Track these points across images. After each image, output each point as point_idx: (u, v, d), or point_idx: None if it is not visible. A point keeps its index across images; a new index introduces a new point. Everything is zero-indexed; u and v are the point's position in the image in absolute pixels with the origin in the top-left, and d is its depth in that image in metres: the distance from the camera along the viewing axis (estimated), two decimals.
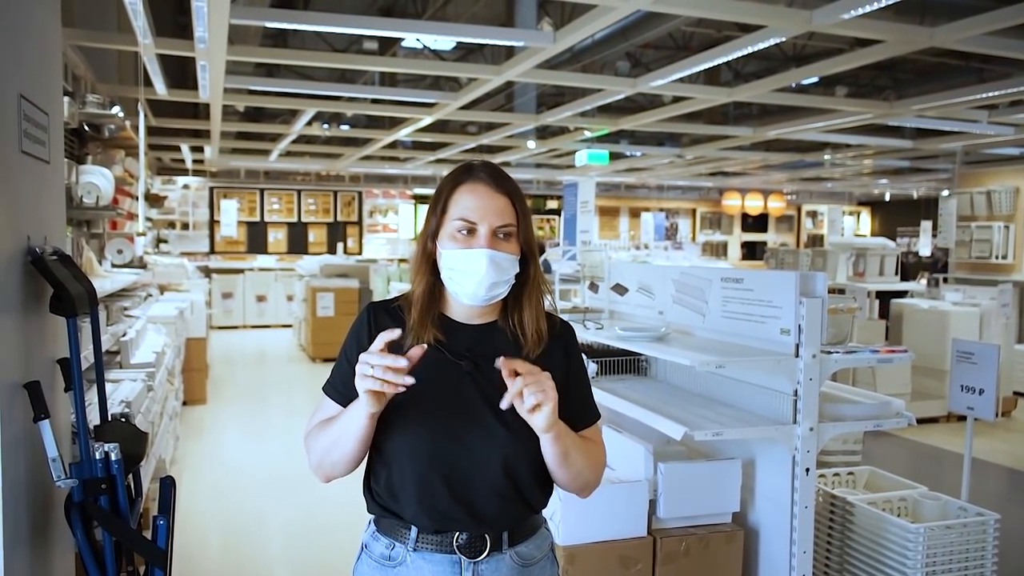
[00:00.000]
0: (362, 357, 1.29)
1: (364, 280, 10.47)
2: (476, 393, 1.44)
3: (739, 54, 5.11)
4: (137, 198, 6.21)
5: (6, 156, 1.90)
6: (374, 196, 15.96)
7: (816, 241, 18.25)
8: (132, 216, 6.43)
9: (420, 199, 16.29)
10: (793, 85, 7.67)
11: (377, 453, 1.48)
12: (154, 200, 9.83)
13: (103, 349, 3.81)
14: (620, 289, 3.69)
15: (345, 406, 1.44)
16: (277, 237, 15.21)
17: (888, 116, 7.67)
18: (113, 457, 2.10)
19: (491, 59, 8.52)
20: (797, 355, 2.52)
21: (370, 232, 16.00)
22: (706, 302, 2.98)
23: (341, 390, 1.49)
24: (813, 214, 19.40)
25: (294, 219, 15.34)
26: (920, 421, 6.74)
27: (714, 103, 7.36)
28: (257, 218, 15.13)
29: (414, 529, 1.46)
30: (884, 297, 8.24)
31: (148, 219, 9.08)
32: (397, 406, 1.38)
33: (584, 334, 3.29)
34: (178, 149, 11.92)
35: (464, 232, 1.43)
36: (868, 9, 4.03)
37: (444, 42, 8.89)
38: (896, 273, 7.70)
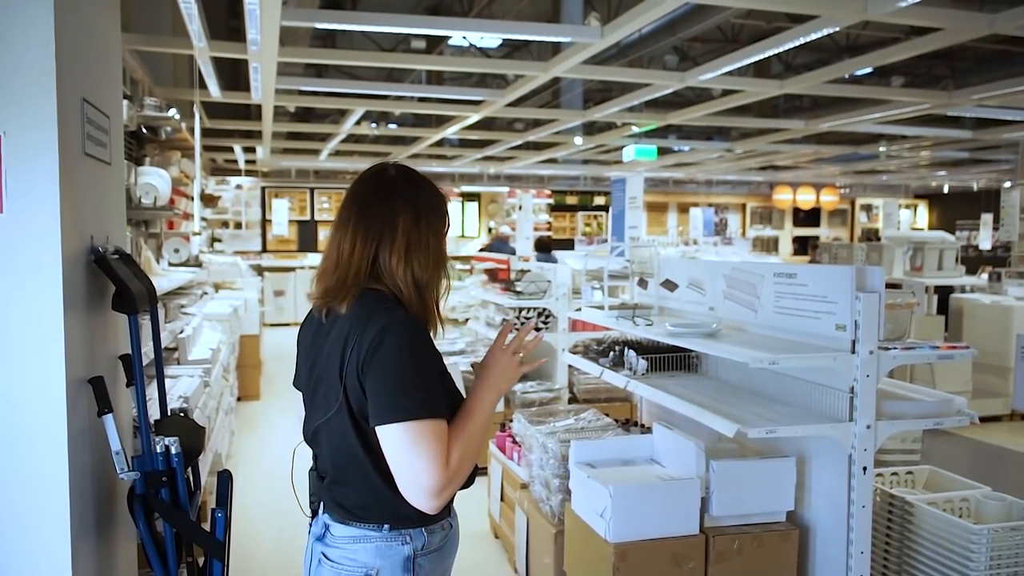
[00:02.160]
0: (513, 346, 1.63)
1: None
2: None
3: (791, 45, 5.01)
4: (193, 198, 6.35)
5: (71, 158, 1.96)
6: None
7: (870, 235, 17.81)
8: (188, 216, 6.59)
9: (467, 196, 16.35)
10: (847, 76, 7.49)
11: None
12: (208, 200, 10.05)
13: (163, 345, 3.93)
14: (670, 285, 3.66)
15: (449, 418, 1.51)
16: (327, 235, 15.40)
17: (947, 106, 7.45)
18: (173, 451, 2.15)
19: (537, 56, 8.51)
20: (854, 351, 2.47)
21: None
22: (758, 298, 2.94)
23: (448, 403, 1.55)
24: (868, 208, 18.96)
25: None
26: (982, 419, 6.48)
27: (764, 96, 7.23)
28: (307, 217, 15.36)
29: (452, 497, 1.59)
30: (943, 292, 8.01)
31: (203, 219, 9.30)
32: (448, 387, 1.58)
33: (633, 331, 3.27)
34: (231, 150, 12.16)
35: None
36: None
37: (490, 40, 8.93)
38: (956, 267, 7.47)
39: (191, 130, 5.89)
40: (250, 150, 12.23)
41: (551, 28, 4.98)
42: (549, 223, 16.60)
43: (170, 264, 5.81)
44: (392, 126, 10.79)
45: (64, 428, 1.87)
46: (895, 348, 2.57)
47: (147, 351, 2.74)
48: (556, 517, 3.11)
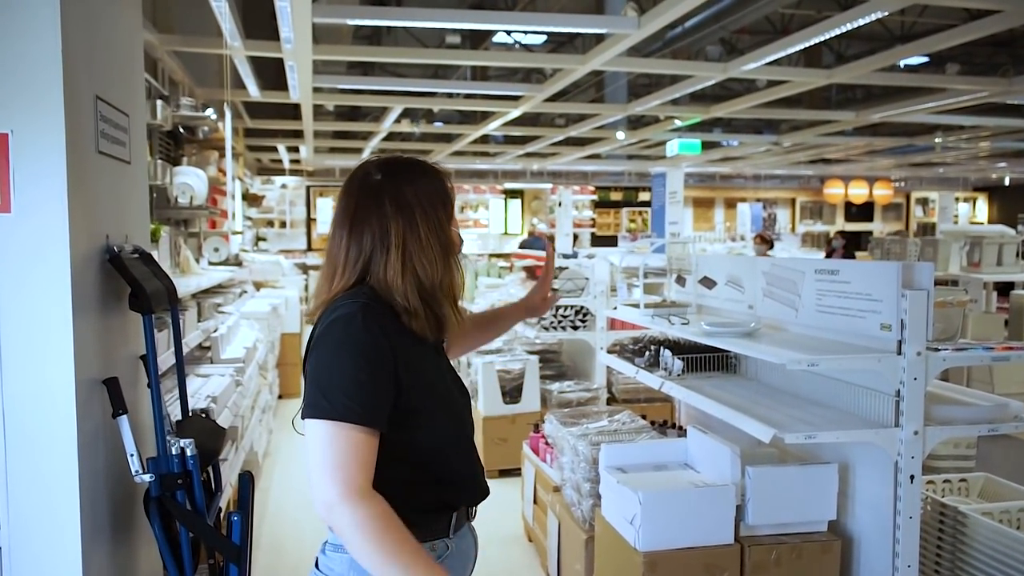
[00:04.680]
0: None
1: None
2: (447, 365, 1.63)
3: (838, 32, 4.81)
4: (233, 197, 6.40)
5: (82, 156, 1.93)
6: (464, 191, 16.05)
7: (927, 230, 17.24)
8: (228, 215, 6.64)
9: (510, 193, 16.29)
10: (901, 65, 7.21)
11: (410, 458, 1.45)
12: (253, 200, 10.17)
13: (195, 344, 3.93)
14: (708, 283, 3.53)
15: (383, 428, 1.38)
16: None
17: (1006, 94, 7.12)
18: (189, 452, 2.11)
19: (582, 51, 8.39)
20: (900, 352, 2.32)
21: (461, 227, 16.06)
22: (799, 296, 2.80)
23: (386, 411, 1.39)
24: (924, 201, 18.36)
25: None
26: None
27: (811, 86, 6.99)
28: None
29: (455, 514, 1.52)
30: (1004, 289, 7.64)
31: (248, 218, 9.41)
32: (424, 399, 1.45)
33: (668, 329, 3.16)
34: (275, 150, 12.29)
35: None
36: None
37: (534, 36, 8.84)
38: (1017, 262, 7.12)
39: (233, 130, 5.93)
40: (294, 150, 12.35)
41: (587, 19, 4.87)
42: (593, 220, 16.43)
43: (210, 263, 5.86)
44: (438, 124, 10.77)
45: (74, 430, 1.84)
46: (945, 349, 2.41)
47: (171, 352, 2.74)
48: (587, 522, 3.01)
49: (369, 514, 1.30)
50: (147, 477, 2.05)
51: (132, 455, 2.04)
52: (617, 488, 2.58)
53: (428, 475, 1.48)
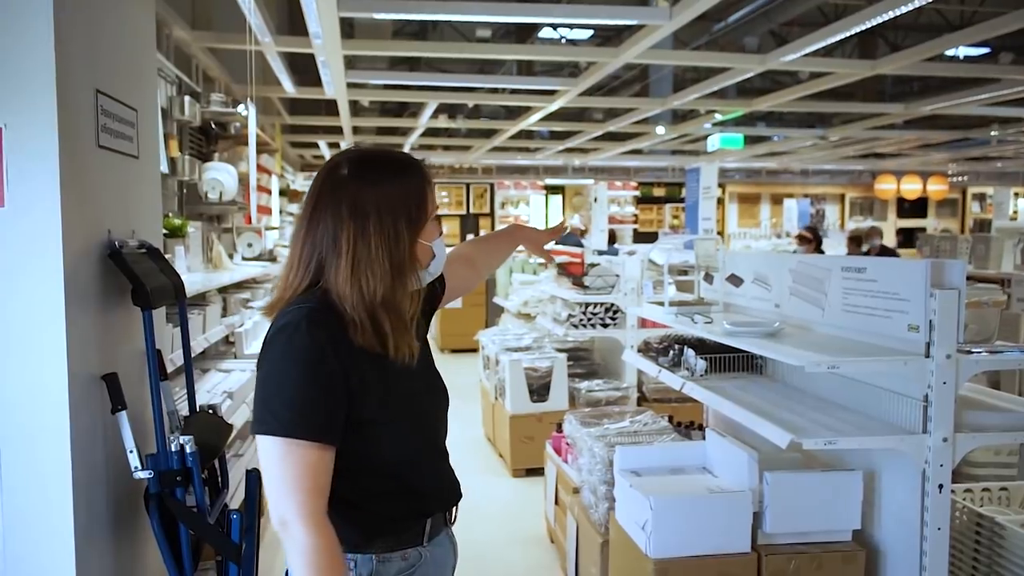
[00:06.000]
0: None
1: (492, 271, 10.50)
2: (426, 358, 1.52)
3: (880, 20, 4.61)
4: (270, 192, 6.45)
5: (79, 150, 1.92)
6: (506, 187, 16.00)
7: (983, 227, 16.63)
8: (266, 210, 6.70)
9: (552, 189, 16.19)
10: (961, 57, 6.91)
11: (374, 468, 1.39)
12: (293, 195, 10.26)
13: (218, 339, 3.95)
14: (735, 280, 3.41)
15: (337, 442, 1.31)
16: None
17: None
18: (188, 449, 2.10)
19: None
20: (928, 355, 2.19)
21: (502, 223, 16.04)
22: (825, 294, 2.67)
23: (338, 424, 1.32)
24: (981, 197, 17.71)
25: None
26: None
27: (855, 77, 6.76)
28: None
29: (428, 521, 1.46)
30: None
31: (289, 214, 9.48)
32: (381, 407, 1.37)
33: (691, 329, 3.06)
34: (316, 146, 12.39)
35: (435, 222, 1.49)
36: None
37: (579, 31, 8.72)
38: None
39: (266, 126, 5.97)
40: (335, 146, 12.44)
41: (617, 10, 4.76)
42: (635, 216, 16.24)
43: (243, 258, 5.90)
44: (482, 119, 10.72)
45: (67, 425, 1.83)
46: (980, 351, 2.28)
47: (195, 344, 2.73)
48: (603, 526, 2.93)
49: (316, 545, 1.26)
50: (145, 474, 2.04)
51: (131, 451, 2.03)
52: (630, 492, 2.50)
53: (396, 484, 1.41)
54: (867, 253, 8.30)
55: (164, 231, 4.07)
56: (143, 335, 2.37)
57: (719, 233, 16.36)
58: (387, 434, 1.38)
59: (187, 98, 4.37)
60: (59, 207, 1.80)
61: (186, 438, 2.10)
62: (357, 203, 1.35)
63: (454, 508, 1.54)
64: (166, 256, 3.96)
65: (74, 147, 1.88)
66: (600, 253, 6.64)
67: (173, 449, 2.09)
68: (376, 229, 1.35)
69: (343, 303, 1.34)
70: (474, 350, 7.03)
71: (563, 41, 9.59)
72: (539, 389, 5.03)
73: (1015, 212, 15.96)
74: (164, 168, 4.34)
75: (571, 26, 8.84)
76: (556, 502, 3.77)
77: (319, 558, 1.25)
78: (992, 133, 10.63)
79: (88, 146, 1.99)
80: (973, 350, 2.28)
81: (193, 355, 2.91)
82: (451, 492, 1.53)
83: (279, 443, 1.27)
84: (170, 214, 4.37)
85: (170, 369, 2.66)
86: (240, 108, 5.09)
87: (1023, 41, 8.89)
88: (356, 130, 11.45)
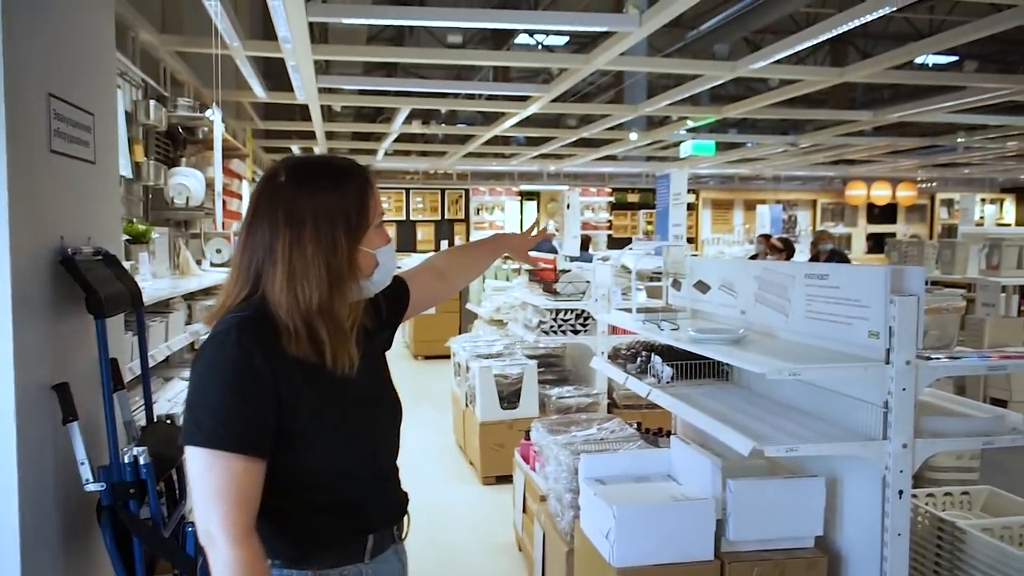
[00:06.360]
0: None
1: None
2: (373, 370, 1.49)
3: (848, 27, 4.66)
4: (240, 197, 6.38)
5: (30, 156, 1.88)
6: (480, 193, 16.00)
7: (951, 232, 16.88)
8: (235, 216, 6.62)
9: (526, 195, 16.21)
10: (931, 65, 6.99)
11: (309, 482, 1.36)
12: None
13: (183, 347, 3.89)
14: (702, 287, 3.42)
15: (267, 455, 1.29)
16: None
17: None
18: (142, 461, 2.06)
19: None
20: (888, 361, 2.20)
21: (476, 229, 16.04)
22: (789, 301, 2.69)
23: (266, 435, 1.29)
24: (949, 203, 17.98)
25: (403, 217, 15.61)
26: None
27: (823, 85, 6.83)
28: None
29: (371, 538, 1.42)
30: None
31: None
32: (316, 418, 1.34)
33: (658, 335, 3.06)
34: (290, 151, 12.31)
35: (379, 229, 1.45)
36: None
37: (555, 38, 8.73)
38: None
39: (243, 130, 5.91)
40: (308, 151, 12.37)
41: (587, 17, 4.77)
42: (610, 222, 16.30)
43: (212, 264, 5.83)
44: (453, 125, 10.71)
45: (13, 436, 1.79)
46: (939, 357, 2.30)
47: (156, 352, 2.68)
48: (569, 534, 2.92)
49: (240, 559, 1.23)
50: (97, 486, 2.00)
51: (82, 463, 1.99)
52: (594, 500, 2.49)
53: (333, 498, 1.38)
54: (816, 257, 8.37)
55: (127, 237, 4.01)
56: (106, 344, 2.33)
57: (691, 240, 16.50)
58: (322, 446, 1.35)
59: (152, 102, 4.31)
60: (6, 213, 1.76)
61: (140, 449, 2.06)
62: (293, 211, 1.33)
63: (404, 523, 1.51)
64: (129, 262, 3.91)
65: (23, 152, 1.84)
66: (573, 259, 6.65)
67: (126, 461, 2.04)
68: (312, 237, 1.33)
69: (279, 311, 1.31)
70: (448, 357, 7.00)
71: (539, 47, 9.63)
72: (509, 396, 5.01)
73: (981, 218, 16.23)
74: (128, 173, 4.28)
75: (546, 32, 8.89)
76: (524, 510, 3.76)
77: (243, 573, 1.23)
78: (959, 140, 10.80)
79: (39, 151, 1.95)
80: (932, 356, 2.30)
81: (156, 363, 2.86)
82: (396, 508, 1.50)
83: (203, 454, 1.25)
84: (134, 220, 4.31)
85: (129, 378, 2.62)
86: (208, 113, 5.04)
87: (989, 50, 9.04)
88: (330, 135, 11.39)
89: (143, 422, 2.49)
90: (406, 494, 1.54)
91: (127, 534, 2.04)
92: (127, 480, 2.03)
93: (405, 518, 1.53)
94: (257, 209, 1.36)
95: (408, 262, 12.04)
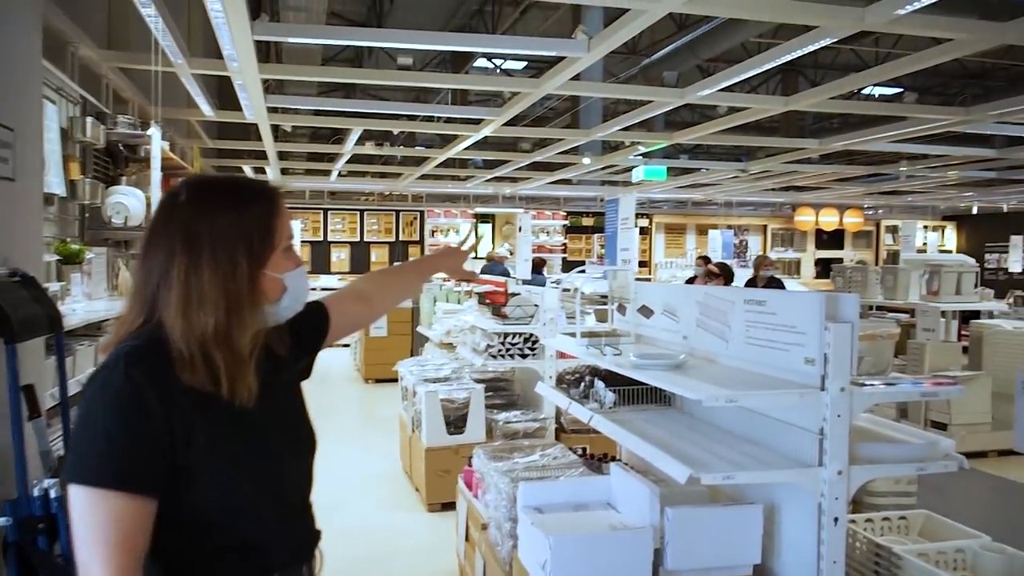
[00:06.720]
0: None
1: (417, 300, 10.38)
2: (282, 400, 1.44)
3: (788, 57, 4.77)
4: None
5: None
6: (436, 215, 15.95)
7: (895, 258, 17.32)
8: None
9: (481, 217, 16.21)
10: (876, 96, 7.15)
11: (204, 519, 1.29)
12: None
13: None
14: (646, 311, 3.41)
15: (156, 492, 1.22)
16: (340, 256, 15.36)
17: (965, 123, 7.13)
18: (53, 494, 1.95)
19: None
20: (823, 388, 2.21)
21: (431, 250, 15.96)
22: (729, 327, 2.69)
23: (154, 471, 1.22)
24: (893, 229, 18.47)
25: (357, 239, 15.47)
26: (1002, 453, 6.14)
27: (769, 113, 6.97)
28: (321, 238, 15.31)
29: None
30: (967, 318, 7.63)
31: None
32: (211, 453, 1.26)
33: (600, 360, 3.04)
34: (241, 171, 12.13)
35: (288, 253, 1.39)
36: (921, 5, 3.66)
37: (514, 62, 8.75)
38: (976, 291, 7.11)
39: (191, 149, 5.78)
40: (260, 171, 12.21)
41: (536, 42, 4.79)
42: (564, 245, 16.38)
43: None
44: (411, 148, 10.69)
45: None
46: (874, 384, 2.31)
47: (83, 378, 2.57)
48: (508, 564, 2.86)
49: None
50: (2, 520, 1.89)
51: None
52: (531, 530, 2.44)
53: (230, 537, 1.31)
54: (754, 282, 8.46)
55: (58, 257, 3.87)
56: (23, 369, 2.23)
57: (645, 263, 16.66)
58: (217, 481, 1.27)
59: (90, 119, 4.19)
60: None
61: (51, 481, 1.96)
62: (190, 232, 1.27)
63: (315, 561, 1.45)
64: (61, 283, 3.77)
65: None
66: (525, 282, 6.64)
67: (36, 494, 1.94)
68: (210, 262, 1.26)
69: (174, 337, 1.24)
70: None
71: (498, 71, 9.66)
72: (456, 421, 4.94)
73: (924, 244, 16.67)
74: (62, 191, 4.14)
75: (502, 56, 8.92)
76: (467, 538, 3.69)
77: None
78: (901, 169, 11.10)
79: None
80: (867, 383, 2.31)
81: (80, 389, 2.74)
82: (304, 545, 1.43)
83: (85, 492, 1.17)
84: (68, 239, 4.17)
85: (49, 405, 2.50)
86: (150, 131, 4.92)
87: (931, 83, 9.32)
88: (283, 155, 11.26)
89: (63, 451, 2.37)
90: (319, 531, 1.48)
91: (34, 572, 1.93)
92: (36, 514, 1.93)
93: (317, 555, 1.46)
94: (154, 231, 1.30)
95: (326, 282, 11.69)
